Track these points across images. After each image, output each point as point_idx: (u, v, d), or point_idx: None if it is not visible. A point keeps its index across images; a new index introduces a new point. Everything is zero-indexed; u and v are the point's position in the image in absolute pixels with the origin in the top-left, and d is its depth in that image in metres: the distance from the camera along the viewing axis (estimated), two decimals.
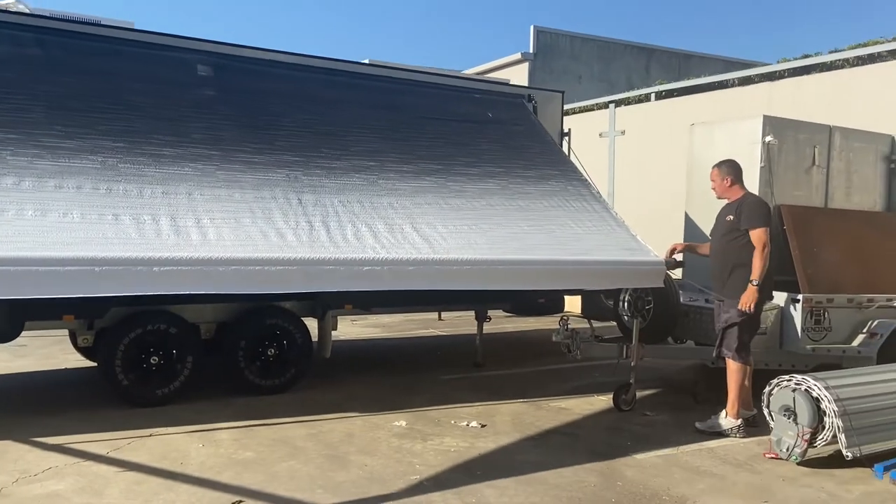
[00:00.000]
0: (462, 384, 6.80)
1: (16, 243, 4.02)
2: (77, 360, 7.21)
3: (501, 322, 10.52)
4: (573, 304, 9.25)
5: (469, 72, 20.41)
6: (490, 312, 7.79)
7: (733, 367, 5.25)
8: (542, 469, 4.51)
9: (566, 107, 9.01)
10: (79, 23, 6.06)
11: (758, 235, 5.15)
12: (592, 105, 14.35)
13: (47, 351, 7.91)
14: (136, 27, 6.45)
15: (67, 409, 5.60)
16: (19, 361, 7.48)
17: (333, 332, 6.84)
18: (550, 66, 20.17)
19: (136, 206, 4.57)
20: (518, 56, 19.86)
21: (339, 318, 7.04)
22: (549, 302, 8.00)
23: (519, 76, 18.83)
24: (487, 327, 7.97)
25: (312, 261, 4.66)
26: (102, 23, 6.30)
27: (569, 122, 8.72)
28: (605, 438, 5.24)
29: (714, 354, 5.43)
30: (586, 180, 6.77)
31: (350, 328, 10.02)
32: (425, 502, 3.99)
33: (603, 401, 6.24)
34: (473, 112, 7.23)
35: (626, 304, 6.49)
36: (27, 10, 5.80)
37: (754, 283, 5.09)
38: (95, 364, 6.76)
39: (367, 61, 7.64)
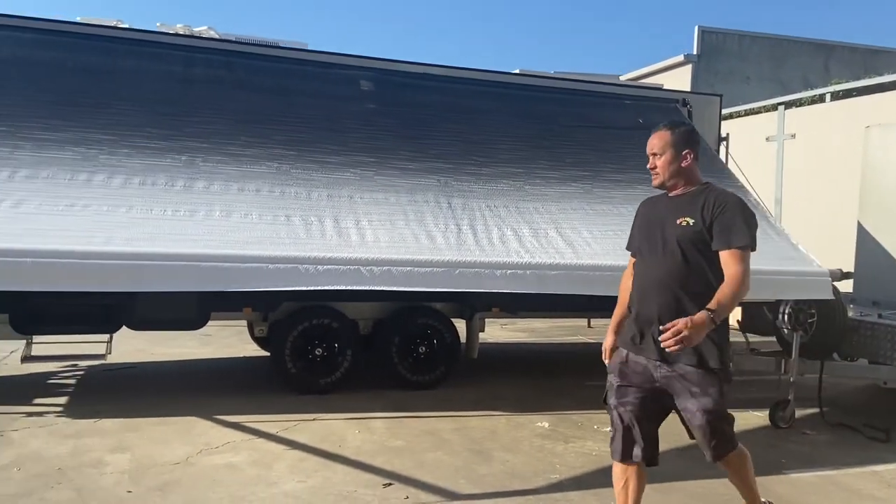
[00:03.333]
0: None
1: (205, 241, 4.61)
2: (253, 350, 7.99)
3: None
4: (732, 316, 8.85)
5: (627, 76, 20.02)
6: None
7: (740, 460, 3.26)
8: (685, 479, 4.43)
9: (728, 110, 8.65)
10: (260, 45, 6.78)
11: (742, 258, 2.94)
12: (759, 108, 13.57)
13: (229, 341, 8.81)
14: (308, 48, 7.10)
15: (244, 393, 6.25)
16: (203, 349, 8.40)
17: (481, 334, 7.06)
18: (716, 67, 19.26)
19: (305, 208, 5.05)
20: (680, 58, 19.17)
21: (487, 321, 7.25)
22: None
23: (681, 79, 18.19)
24: None
25: (459, 263, 4.91)
26: (280, 45, 7.00)
27: (732, 126, 8.37)
28: (757, 454, 4.98)
29: (710, 457, 3.14)
30: (744, 187, 6.50)
31: (499, 332, 10.22)
32: (563, 500, 4.07)
33: (759, 417, 5.95)
34: (623, 118, 7.19)
35: (785, 316, 6.15)
36: (216, 36, 6.57)
37: (713, 314, 2.81)
38: (268, 353, 7.48)
39: (517, 71, 7.83)
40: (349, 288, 4.76)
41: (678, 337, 2.72)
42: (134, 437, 4.97)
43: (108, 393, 6.18)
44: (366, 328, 6.59)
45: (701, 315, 2.78)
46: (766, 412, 5.78)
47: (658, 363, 3.05)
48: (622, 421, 3.17)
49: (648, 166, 3.24)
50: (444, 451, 4.85)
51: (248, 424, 5.32)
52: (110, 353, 5.95)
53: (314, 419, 5.49)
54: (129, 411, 5.52)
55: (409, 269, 4.80)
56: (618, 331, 3.28)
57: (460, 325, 6.88)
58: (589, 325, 10.53)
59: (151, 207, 4.69)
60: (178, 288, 4.48)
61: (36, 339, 5.82)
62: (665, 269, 3.05)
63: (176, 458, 4.58)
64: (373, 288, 4.78)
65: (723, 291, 2.88)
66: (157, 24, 6.29)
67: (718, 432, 3.06)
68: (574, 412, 5.94)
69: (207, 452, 4.72)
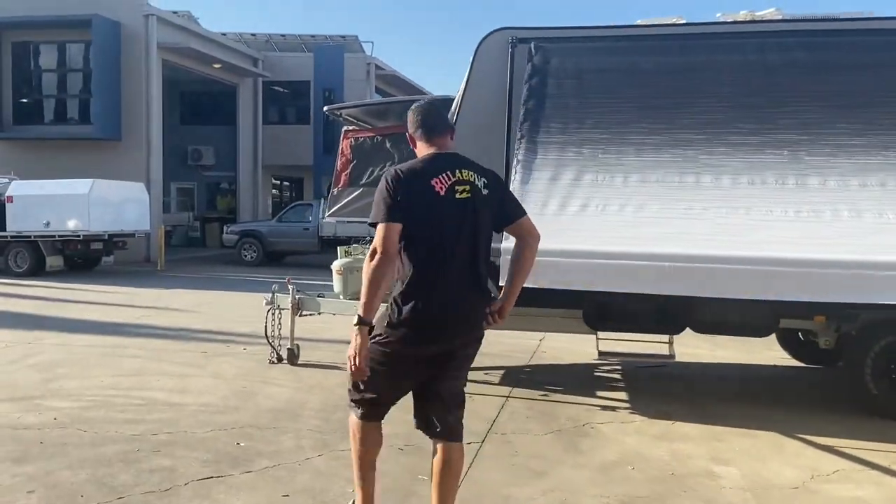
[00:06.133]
0: None
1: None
2: (780, 358, 7.34)
3: None
4: None
5: None
6: None
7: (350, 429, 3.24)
8: None
9: None
10: (822, 20, 5.97)
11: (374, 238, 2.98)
12: None
13: (742, 346, 8.22)
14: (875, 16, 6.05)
15: (809, 409, 5.66)
16: (719, 352, 7.99)
17: None
18: None
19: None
20: None
21: None
22: None
23: None
24: None
25: None
26: (839, 17, 6.09)
27: None
28: None
29: None
30: None
31: None
32: None
33: None
34: None
35: None
36: (782, 17, 5.96)
37: (357, 320, 2.87)
38: (801, 363, 6.85)
39: None
40: None
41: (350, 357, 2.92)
42: (724, 447, 4.74)
43: (660, 391, 6.20)
44: None
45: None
46: None
47: None
48: None
49: None
50: None
51: (845, 450, 4.69)
52: (675, 355, 5.91)
53: None
54: (698, 416, 5.35)
55: None
56: None
57: None
58: None
59: (770, 208, 4.40)
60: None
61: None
62: None
63: (789, 481, 4.18)
64: None
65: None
66: (718, 15, 5.98)
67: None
68: None
69: (821, 480, 4.22)
